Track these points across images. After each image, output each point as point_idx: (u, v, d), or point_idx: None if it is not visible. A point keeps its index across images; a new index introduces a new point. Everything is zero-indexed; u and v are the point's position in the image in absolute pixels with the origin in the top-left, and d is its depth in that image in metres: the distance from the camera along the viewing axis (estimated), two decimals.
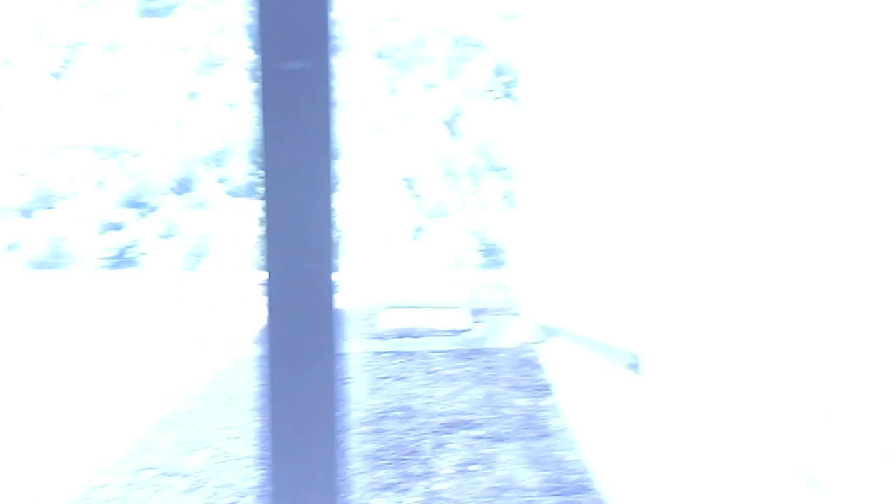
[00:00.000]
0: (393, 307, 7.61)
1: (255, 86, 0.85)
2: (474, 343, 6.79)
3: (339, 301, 0.87)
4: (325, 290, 0.88)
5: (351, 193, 22.87)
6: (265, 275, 0.81)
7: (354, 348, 6.68)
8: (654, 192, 3.67)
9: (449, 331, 7.14)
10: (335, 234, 0.87)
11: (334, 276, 0.87)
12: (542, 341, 5.83)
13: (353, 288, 9.95)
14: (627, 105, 4.32)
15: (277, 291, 0.85)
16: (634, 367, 3.91)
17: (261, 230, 0.89)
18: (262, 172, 0.89)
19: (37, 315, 8.48)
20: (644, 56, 4.06)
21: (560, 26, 6.71)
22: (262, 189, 0.92)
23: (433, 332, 7.06)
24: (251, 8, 0.88)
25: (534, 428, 4.73)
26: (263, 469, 0.84)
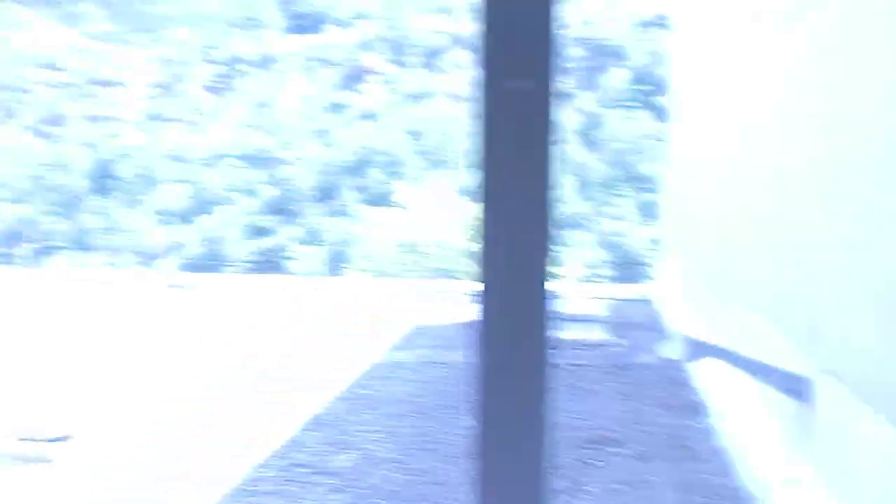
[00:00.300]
0: None
1: (476, 103, 0.81)
2: (617, 358, 6.60)
3: (553, 315, 0.82)
4: (540, 302, 0.84)
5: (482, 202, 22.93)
6: (480, 285, 0.78)
7: None
8: (814, 204, 3.41)
9: (590, 344, 6.98)
10: (551, 250, 0.83)
11: (549, 288, 0.83)
12: (691, 359, 5.55)
13: None
14: (780, 114, 4.04)
15: (493, 302, 0.81)
16: (800, 393, 3.63)
17: (477, 242, 0.86)
18: (481, 187, 0.86)
19: (192, 315, 9.07)
20: (796, 64, 3.79)
21: (712, 34, 6.42)
22: (480, 203, 0.88)
23: (574, 346, 6.92)
24: (476, 26, 0.85)
25: (683, 449, 4.51)
26: (474, 478, 0.81)
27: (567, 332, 7.24)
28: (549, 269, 0.83)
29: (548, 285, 0.85)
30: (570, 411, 5.21)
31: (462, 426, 4.90)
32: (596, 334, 7.23)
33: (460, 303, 9.65)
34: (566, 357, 6.61)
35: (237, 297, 10.12)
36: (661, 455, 4.43)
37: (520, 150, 0.82)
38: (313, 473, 4.24)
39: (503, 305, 0.81)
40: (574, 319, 7.45)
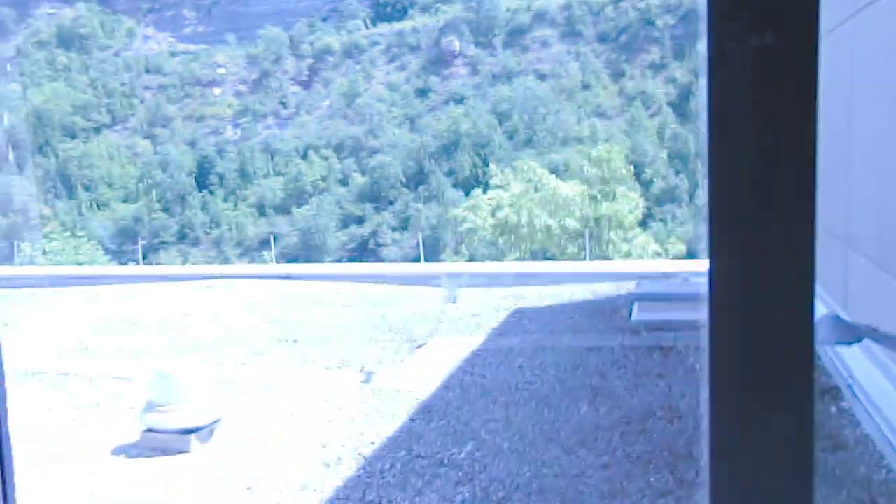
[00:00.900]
0: (645, 298, 7.23)
1: (714, 65, 0.63)
2: None
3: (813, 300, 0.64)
4: (804, 284, 0.66)
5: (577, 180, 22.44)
6: (712, 268, 0.61)
7: (607, 342, 6.44)
8: None
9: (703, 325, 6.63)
10: (811, 231, 0.66)
11: (809, 275, 0.65)
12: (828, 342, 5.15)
13: (596, 275, 9.67)
14: None
15: (728, 287, 0.63)
16: None
17: (708, 219, 0.68)
18: (713, 161, 0.68)
19: (293, 303, 9.22)
20: None
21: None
22: (710, 179, 0.70)
23: (690, 326, 6.59)
24: None
25: (824, 438, 4.18)
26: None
27: (684, 312, 6.91)
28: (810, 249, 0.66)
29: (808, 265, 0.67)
30: (695, 397, 4.94)
31: (581, 414, 4.72)
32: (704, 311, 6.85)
33: (559, 284, 9.44)
34: (684, 339, 6.31)
35: (332, 284, 10.23)
36: None
37: (768, 113, 0.64)
38: (435, 465, 4.17)
39: (761, 293, 0.63)
40: (690, 298, 7.10)
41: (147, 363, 6.66)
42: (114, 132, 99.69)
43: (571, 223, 16.93)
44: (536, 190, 18.02)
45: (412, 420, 4.92)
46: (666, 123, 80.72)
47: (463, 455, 4.27)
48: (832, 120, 5.62)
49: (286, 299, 9.51)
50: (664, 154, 66.59)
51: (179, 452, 4.49)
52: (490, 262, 12.20)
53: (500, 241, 17.42)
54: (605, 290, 8.90)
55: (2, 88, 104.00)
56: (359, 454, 4.39)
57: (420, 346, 6.94)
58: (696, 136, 76.13)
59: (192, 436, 4.50)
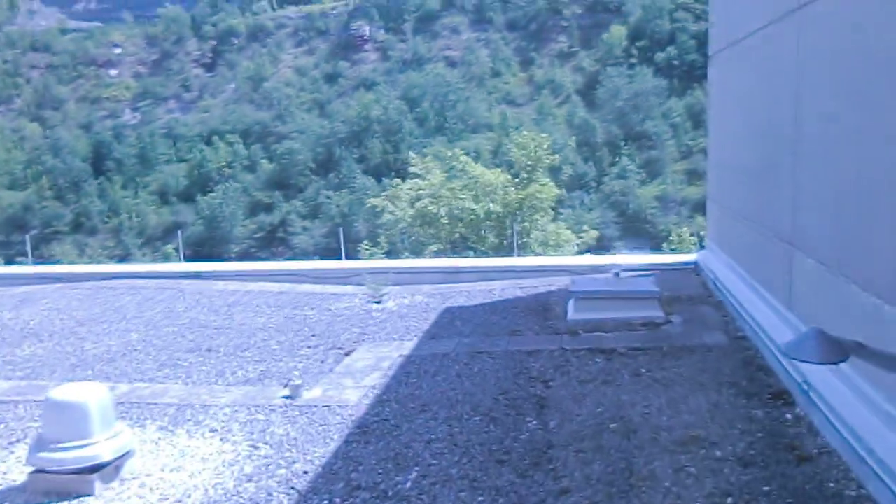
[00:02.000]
0: (580, 296, 7.01)
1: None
2: (677, 339, 6.10)
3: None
4: None
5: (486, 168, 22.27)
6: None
7: (546, 345, 6.17)
8: None
9: (645, 324, 6.48)
10: None
11: None
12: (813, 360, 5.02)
13: (524, 270, 9.44)
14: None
15: None
16: None
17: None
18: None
19: (206, 305, 8.57)
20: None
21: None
22: None
23: (628, 327, 6.42)
24: None
25: (786, 448, 4.02)
26: None
27: (621, 311, 6.74)
28: None
29: None
30: (646, 406, 4.73)
31: (530, 430, 4.41)
32: (651, 312, 6.69)
33: (487, 280, 9.16)
34: (623, 341, 6.12)
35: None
36: (763, 458, 3.94)
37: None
38: (379, 498, 3.76)
39: None
40: (626, 297, 6.93)
41: (37, 383, 5.96)
42: None
43: (495, 208, 16.73)
44: (458, 178, 17.75)
45: (347, 443, 4.49)
46: (574, 112, 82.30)
47: (409, 485, 3.88)
48: (774, 117, 5.51)
49: (198, 301, 8.84)
50: (572, 142, 67.82)
51: (80, 496, 3.90)
52: (414, 259, 11.77)
53: (421, 231, 17.06)
54: (534, 285, 8.68)
55: None
56: (291, 488, 3.93)
57: (347, 354, 6.49)
58: (603, 125, 78.05)
59: (95, 475, 3.91)
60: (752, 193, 6.30)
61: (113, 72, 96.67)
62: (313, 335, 7.23)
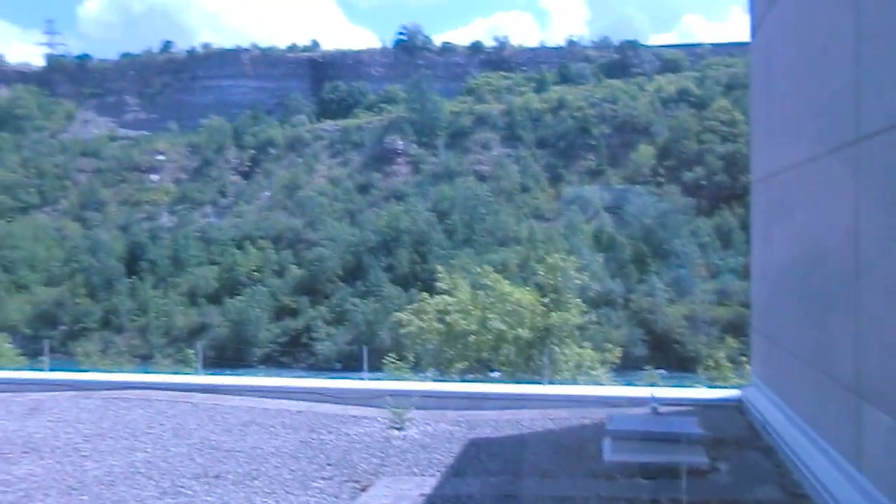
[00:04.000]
0: (617, 435, 6.48)
1: None
2: (726, 492, 5.51)
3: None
4: None
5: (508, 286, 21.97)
6: None
7: (581, 491, 5.63)
8: None
9: (688, 471, 5.91)
10: None
11: None
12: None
13: (554, 399, 8.93)
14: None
15: None
16: None
17: None
18: None
19: (219, 423, 8.14)
20: None
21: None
22: None
23: (670, 473, 5.86)
24: None
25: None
26: None
27: (662, 454, 6.18)
28: None
29: None
30: None
31: None
32: (694, 457, 6.13)
33: (515, 408, 8.65)
34: (665, 490, 5.55)
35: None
36: None
37: None
38: None
39: None
40: (666, 438, 6.38)
41: None
42: (42, 213, 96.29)
43: (523, 334, 16.28)
44: (487, 295, 17.42)
45: None
46: (602, 228, 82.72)
47: None
48: (829, 247, 5.15)
49: (211, 417, 8.42)
50: (600, 258, 67.78)
51: None
52: (439, 382, 11.26)
53: (447, 348, 16.62)
54: (565, 417, 8.15)
55: None
56: None
57: (364, 489, 5.99)
58: (631, 242, 78.02)
59: None
60: (806, 330, 5.86)
61: (155, 177, 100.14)
62: (329, 464, 6.75)
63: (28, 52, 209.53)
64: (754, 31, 8.03)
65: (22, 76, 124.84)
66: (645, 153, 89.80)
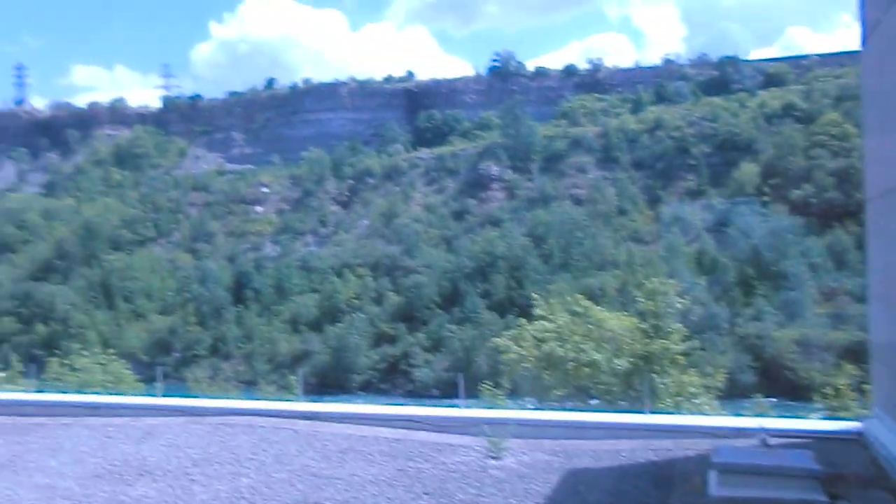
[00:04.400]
0: (724, 469, 6.18)
1: None
2: None
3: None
4: None
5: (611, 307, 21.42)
6: None
7: None
8: None
9: None
10: None
11: None
12: None
13: (655, 429, 8.62)
14: None
15: None
16: None
17: None
18: None
19: (319, 450, 8.27)
20: None
21: None
22: None
23: None
24: None
25: None
26: None
27: (774, 489, 5.84)
28: None
29: None
30: None
31: None
32: (810, 493, 5.75)
33: (615, 438, 8.39)
34: None
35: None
36: None
37: None
38: None
39: None
40: (778, 472, 6.03)
41: None
42: (158, 246, 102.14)
43: (621, 361, 15.84)
44: (582, 322, 17.08)
45: None
46: (704, 250, 79.89)
47: None
48: None
49: (311, 444, 8.60)
50: (702, 281, 65.42)
51: None
52: (537, 411, 11.05)
53: (545, 375, 16.38)
54: (668, 448, 7.84)
55: (59, 203, 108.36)
56: None
57: None
58: (735, 264, 74.91)
59: None
60: None
61: (259, 208, 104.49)
62: (426, 493, 6.75)
63: (147, 95, 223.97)
64: (865, 38, 7.62)
65: (141, 118, 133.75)
66: (748, 171, 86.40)
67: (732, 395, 23.39)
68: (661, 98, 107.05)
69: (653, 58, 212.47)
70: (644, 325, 16.76)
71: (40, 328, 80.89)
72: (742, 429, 8.28)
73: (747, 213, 77.92)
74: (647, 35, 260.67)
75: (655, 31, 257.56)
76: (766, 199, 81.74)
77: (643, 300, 17.31)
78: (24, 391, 15.01)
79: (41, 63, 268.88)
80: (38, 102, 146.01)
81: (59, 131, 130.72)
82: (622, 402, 15.45)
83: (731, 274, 71.57)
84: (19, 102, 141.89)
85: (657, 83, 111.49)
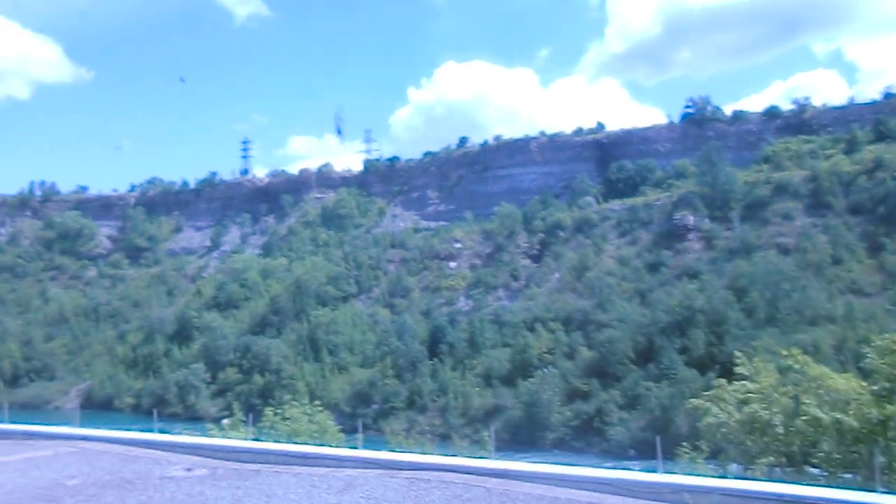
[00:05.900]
0: None
1: None
2: None
3: None
4: None
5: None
6: None
7: None
8: None
9: None
10: None
11: None
12: None
13: None
14: None
15: None
16: None
17: None
18: None
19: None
20: None
21: None
22: None
23: None
24: None
25: None
26: None
27: None
28: None
29: None
30: None
31: None
32: None
33: None
34: None
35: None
36: None
37: None
38: None
39: None
40: None
41: None
42: (359, 301, 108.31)
43: (849, 422, 14.02)
44: (796, 384, 15.57)
45: None
46: None
47: None
48: None
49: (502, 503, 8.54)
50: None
51: None
52: (744, 481, 10.11)
53: (749, 439, 15.09)
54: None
55: (274, 262, 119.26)
56: None
57: None
58: None
59: None
60: None
61: (452, 264, 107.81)
62: None
63: (350, 160, 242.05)
64: None
65: (344, 181, 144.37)
66: None
67: None
68: (880, 136, 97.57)
69: (870, 93, 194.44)
70: (875, 387, 14.87)
71: (258, 378, 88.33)
72: None
73: None
74: (863, 69, 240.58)
75: (871, 64, 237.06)
76: None
77: (875, 358, 15.39)
78: (244, 439, 16.37)
79: (263, 136, 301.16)
80: (260, 172, 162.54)
81: (275, 197, 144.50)
82: (846, 476, 13.78)
83: None
84: (244, 173, 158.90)
85: (876, 120, 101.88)
